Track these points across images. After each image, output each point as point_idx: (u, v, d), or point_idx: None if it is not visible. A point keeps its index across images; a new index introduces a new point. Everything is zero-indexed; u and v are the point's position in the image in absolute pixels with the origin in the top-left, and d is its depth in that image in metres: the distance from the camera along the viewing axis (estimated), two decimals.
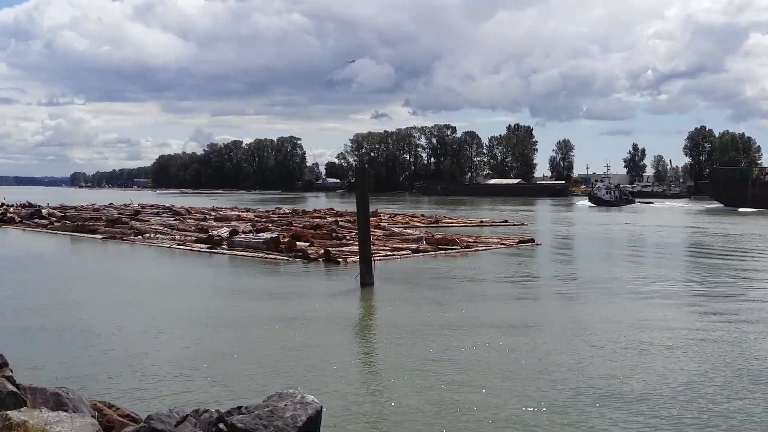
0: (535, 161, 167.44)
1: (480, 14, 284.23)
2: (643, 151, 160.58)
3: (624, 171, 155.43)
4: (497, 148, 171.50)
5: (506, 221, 46.46)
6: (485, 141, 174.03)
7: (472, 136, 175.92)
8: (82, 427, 5.01)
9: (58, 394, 5.78)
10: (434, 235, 30.92)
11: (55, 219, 42.34)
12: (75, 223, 38.70)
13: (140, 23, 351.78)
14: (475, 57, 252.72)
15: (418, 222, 43.65)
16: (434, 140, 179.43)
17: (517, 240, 31.01)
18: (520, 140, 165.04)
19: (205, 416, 5.52)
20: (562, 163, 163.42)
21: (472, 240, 30.27)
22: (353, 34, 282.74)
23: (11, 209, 51.12)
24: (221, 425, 5.20)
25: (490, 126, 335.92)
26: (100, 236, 33.86)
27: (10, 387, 5.46)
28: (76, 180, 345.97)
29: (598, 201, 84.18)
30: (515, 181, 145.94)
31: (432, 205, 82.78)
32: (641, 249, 31.46)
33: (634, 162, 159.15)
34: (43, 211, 47.34)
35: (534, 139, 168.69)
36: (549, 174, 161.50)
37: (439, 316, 14.33)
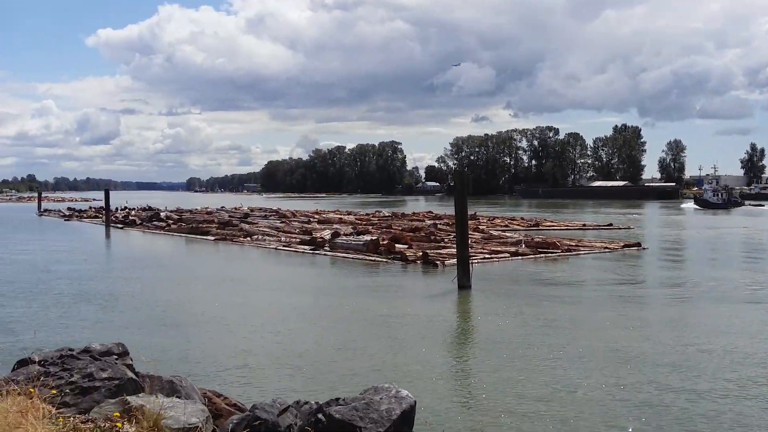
0: (642, 162, 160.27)
1: (585, 14, 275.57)
2: (762, 151, 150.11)
3: (741, 172, 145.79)
4: (602, 150, 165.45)
5: (611, 224, 44.91)
6: (589, 142, 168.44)
7: (575, 138, 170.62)
8: (193, 413, 5.33)
9: (172, 381, 6.22)
10: (534, 238, 30.48)
11: (172, 222, 45.14)
12: (190, 225, 41.16)
13: (252, 35, 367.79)
14: (580, 57, 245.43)
15: (518, 225, 43.07)
16: (536, 142, 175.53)
17: (622, 244, 30.00)
18: (626, 141, 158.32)
19: (306, 407, 5.81)
20: (672, 165, 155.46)
21: (574, 243, 29.59)
22: (455, 38, 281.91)
23: (133, 212, 55.09)
24: (320, 415, 5.38)
25: (594, 127, 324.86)
26: (213, 238, 35.86)
27: (130, 374, 5.94)
28: (192, 185, 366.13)
29: (704, 203, 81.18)
30: (621, 183, 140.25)
31: (532, 208, 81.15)
32: (754, 253, 29.56)
33: (752, 162, 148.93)
34: (161, 214, 50.57)
35: (642, 140, 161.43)
36: (658, 176, 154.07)
37: (538, 320, 14.24)
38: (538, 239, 29.81)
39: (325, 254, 27.73)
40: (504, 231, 36.79)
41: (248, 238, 34.28)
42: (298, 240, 31.95)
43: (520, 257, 25.87)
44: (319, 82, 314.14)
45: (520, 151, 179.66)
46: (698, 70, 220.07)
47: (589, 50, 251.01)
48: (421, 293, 18.49)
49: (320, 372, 10.14)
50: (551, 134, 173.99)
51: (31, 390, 5.31)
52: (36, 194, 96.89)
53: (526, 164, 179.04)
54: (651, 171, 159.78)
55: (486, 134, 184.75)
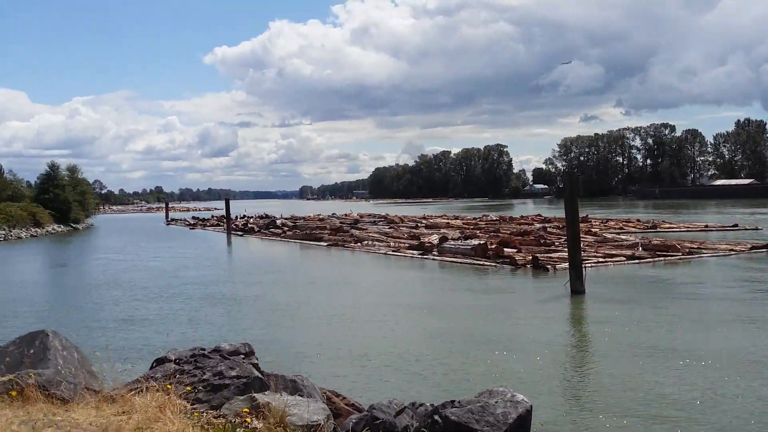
0: None
1: (701, 4, 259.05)
2: None
3: None
4: (724, 146, 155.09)
5: (736, 225, 42.04)
6: (709, 139, 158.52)
7: (694, 135, 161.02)
8: (315, 411, 5.53)
9: (294, 380, 6.53)
10: (651, 240, 29.16)
11: (287, 228, 46.99)
12: (304, 231, 42.69)
13: (357, 46, 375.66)
14: (696, 50, 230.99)
15: (633, 227, 41.30)
16: (650, 141, 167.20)
17: (749, 246, 28.07)
18: (750, 136, 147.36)
19: (421, 409, 5.89)
20: None
21: (695, 246, 28.01)
22: (560, 36, 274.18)
23: (251, 220, 57.84)
24: (436, 417, 5.46)
25: (714, 122, 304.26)
26: (325, 243, 36.99)
27: (256, 373, 6.26)
28: (304, 193, 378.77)
29: None
30: (747, 181, 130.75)
31: (649, 209, 77.40)
32: None
33: None
34: (277, 221, 52.78)
35: None
36: None
37: (658, 325, 13.67)
38: (656, 242, 28.50)
39: (433, 258, 27.89)
40: (618, 234, 35.42)
41: (359, 244, 35.06)
42: (406, 245, 32.32)
43: (636, 261, 24.82)
44: (422, 88, 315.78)
45: (634, 150, 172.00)
46: None
47: (706, 42, 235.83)
48: (532, 298, 18.22)
49: (433, 374, 10.28)
50: (667, 131, 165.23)
51: (168, 386, 5.72)
52: (163, 205, 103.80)
53: (641, 164, 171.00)
54: None
55: (596, 134, 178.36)
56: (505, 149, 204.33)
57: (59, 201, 60.20)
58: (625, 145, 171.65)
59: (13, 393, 5.81)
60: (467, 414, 5.34)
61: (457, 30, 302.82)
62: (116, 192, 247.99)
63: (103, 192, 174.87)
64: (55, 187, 61.41)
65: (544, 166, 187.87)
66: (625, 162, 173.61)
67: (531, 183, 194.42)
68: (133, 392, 5.75)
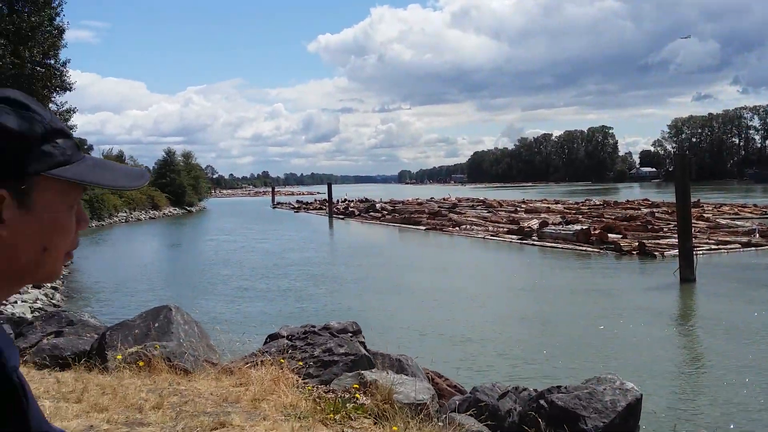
0: None
1: None
2: None
3: None
4: None
5: None
6: None
7: None
8: (421, 391, 5.65)
9: (400, 360, 6.74)
10: None
11: (386, 212, 47.60)
12: (402, 215, 43.12)
13: (457, 29, 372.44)
14: None
15: (750, 213, 38.75)
16: None
17: None
18: None
19: (524, 393, 5.96)
20: None
21: None
22: (672, 12, 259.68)
23: (352, 204, 59.04)
24: (542, 401, 5.45)
25: None
26: (423, 227, 37.22)
27: (363, 351, 6.52)
28: (403, 177, 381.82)
29: None
30: None
31: (767, 193, 72.28)
32: None
33: None
34: (376, 205, 53.56)
35: None
36: None
37: None
38: None
39: (533, 244, 27.44)
40: (733, 219, 33.38)
41: (457, 228, 35.03)
42: (505, 230, 31.97)
43: (753, 248, 23.37)
44: (523, 70, 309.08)
45: (752, 131, 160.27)
46: None
47: None
48: (638, 285, 17.62)
49: (534, 360, 10.26)
50: None
51: (282, 360, 6.10)
52: (269, 189, 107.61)
53: (759, 145, 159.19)
54: None
55: (710, 114, 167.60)
56: (610, 131, 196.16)
57: (175, 185, 63.80)
58: (741, 126, 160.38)
59: (141, 363, 6.36)
60: (574, 400, 5.30)
61: (561, 9, 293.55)
62: (226, 177, 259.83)
63: (214, 177, 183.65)
64: (171, 172, 65.15)
65: (652, 149, 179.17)
66: (741, 143, 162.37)
67: (638, 166, 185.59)
68: (249, 365, 6.13)
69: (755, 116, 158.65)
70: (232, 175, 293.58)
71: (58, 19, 30.55)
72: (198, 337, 7.98)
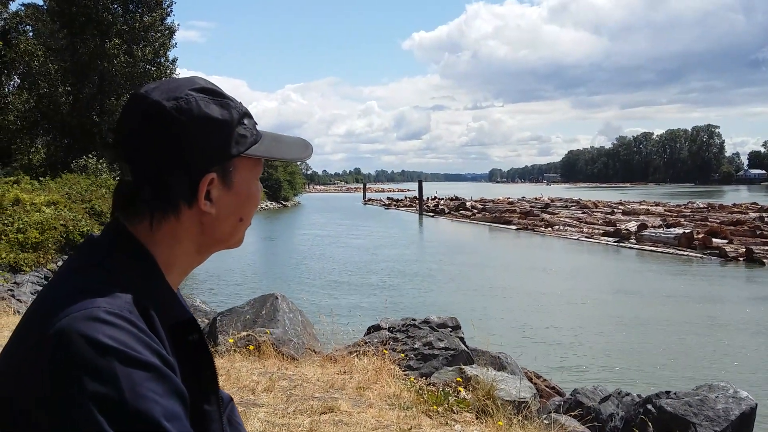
0: None
1: None
2: None
3: None
4: None
5: None
6: None
7: None
8: (522, 389, 5.67)
9: (500, 357, 6.77)
10: None
11: (476, 211, 47.32)
12: (493, 214, 42.74)
13: (555, 24, 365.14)
14: None
15: None
16: None
17: None
18: None
19: (627, 398, 5.83)
20: None
21: None
22: None
23: (442, 202, 59.03)
24: (649, 406, 5.32)
25: None
26: (514, 227, 36.77)
27: (463, 346, 6.58)
28: (493, 176, 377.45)
29: None
30: None
31: None
32: None
33: None
34: (467, 204, 53.31)
35: None
36: None
37: None
38: None
39: (630, 247, 26.56)
40: None
41: (549, 229, 34.38)
42: (601, 231, 31.09)
43: None
44: (624, 66, 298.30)
45: None
46: None
47: None
48: (745, 294, 16.75)
49: (636, 366, 10.04)
50: None
51: (385, 351, 6.29)
52: (361, 185, 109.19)
53: None
54: None
55: None
56: (716, 130, 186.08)
57: (272, 180, 65.93)
58: None
59: (251, 347, 6.74)
60: (684, 406, 5.16)
61: (666, 2, 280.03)
62: (320, 173, 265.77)
63: (308, 173, 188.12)
64: (269, 167, 67.38)
65: (762, 149, 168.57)
66: None
67: (746, 168, 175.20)
68: (352, 355, 6.37)
69: None
70: (325, 171, 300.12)
71: (168, 19, 32.32)
72: (302, 325, 8.33)
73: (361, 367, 5.89)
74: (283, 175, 68.73)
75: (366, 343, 6.73)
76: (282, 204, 67.06)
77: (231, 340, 6.82)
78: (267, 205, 62.78)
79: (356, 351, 6.42)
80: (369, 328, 7.32)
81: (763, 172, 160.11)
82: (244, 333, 7.34)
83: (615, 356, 10.60)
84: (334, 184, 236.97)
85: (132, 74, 29.71)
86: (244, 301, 8.50)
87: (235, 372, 5.50)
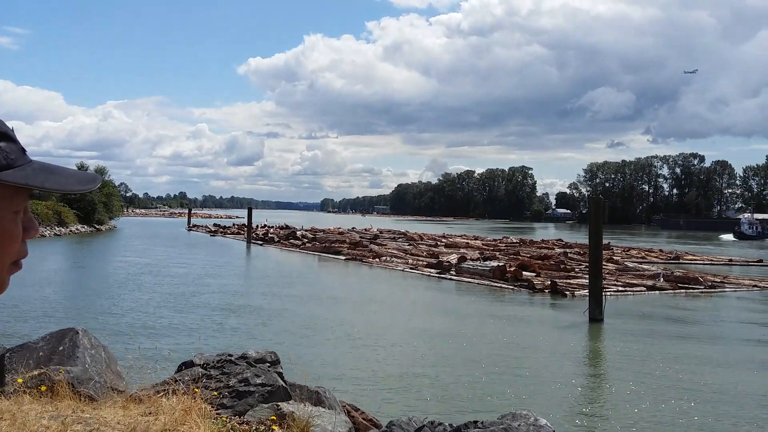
0: None
1: (739, 34, 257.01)
2: None
3: None
4: (753, 180, 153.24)
5: (761, 261, 41.51)
6: (739, 171, 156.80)
7: (723, 166, 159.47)
8: (339, 424, 5.65)
9: (318, 392, 6.60)
10: (674, 272, 28.92)
11: (306, 240, 47.23)
12: (323, 244, 42.91)
13: (389, 62, 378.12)
14: (730, 80, 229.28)
15: (656, 257, 40.94)
16: (678, 170, 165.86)
17: None
18: None
19: (440, 428, 5.91)
20: None
21: (718, 280, 27.75)
22: (594, 61, 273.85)
23: (272, 230, 58.23)
24: None
25: (744, 155, 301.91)
26: (344, 257, 37.17)
27: (281, 382, 6.33)
28: (325, 205, 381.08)
29: (740, 235, 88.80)
30: None
31: (672, 239, 76.58)
32: None
33: None
34: (297, 232, 53.05)
35: None
36: None
37: (673, 360, 13.58)
38: (678, 273, 28.25)
39: (450, 278, 27.89)
40: (640, 263, 35.15)
41: (377, 259, 35.18)
42: (425, 263, 32.37)
43: (657, 291, 24.65)
44: (451, 107, 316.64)
45: (660, 179, 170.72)
46: None
47: (740, 73, 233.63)
48: (549, 323, 18.18)
49: (449, 396, 10.34)
50: (696, 162, 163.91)
51: (196, 390, 5.88)
52: (186, 210, 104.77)
53: (667, 193, 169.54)
54: None
55: (623, 160, 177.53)
56: (529, 171, 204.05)
57: (85, 201, 60.96)
58: (652, 174, 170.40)
59: (43, 388, 6.01)
60: None
61: (490, 51, 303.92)
62: (140, 195, 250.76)
63: (127, 195, 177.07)
64: None
65: (568, 191, 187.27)
66: (651, 190, 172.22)
67: (554, 207, 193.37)
68: (159, 394, 5.89)
69: (665, 165, 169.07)
70: (147, 194, 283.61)
71: None
72: (106, 362, 7.61)
73: (168, 408, 5.47)
74: (98, 197, 63.94)
75: (176, 381, 6.27)
76: (95, 228, 62.20)
77: (20, 380, 6.08)
78: (78, 229, 57.89)
79: (164, 390, 5.96)
80: (180, 365, 6.84)
81: (568, 211, 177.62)
82: (37, 371, 6.58)
83: (432, 386, 10.87)
84: (156, 207, 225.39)
85: None
86: (40, 335, 7.65)
87: (21, 416, 4.86)
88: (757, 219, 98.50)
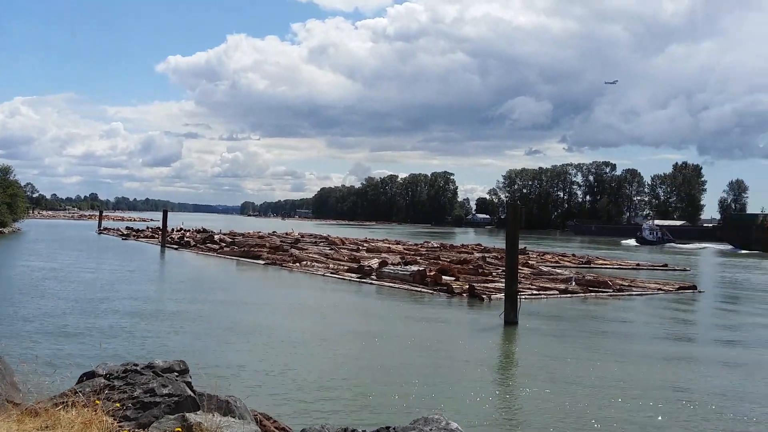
0: (702, 202, 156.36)
1: (650, 48, 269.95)
2: None
3: None
4: (660, 188, 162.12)
5: (665, 265, 43.88)
6: (647, 180, 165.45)
7: (633, 174, 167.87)
8: None
9: (227, 401, 6.37)
10: (585, 276, 30.09)
11: (224, 244, 46.13)
12: (242, 248, 42.03)
13: (313, 65, 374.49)
14: (641, 92, 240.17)
15: (569, 262, 42.52)
16: (591, 178, 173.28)
17: (677, 286, 29.31)
18: (686, 179, 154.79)
19: None
20: (733, 205, 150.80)
21: (626, 283, 29.08)
22: (515, 71, 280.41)
23: (188, 234, 56.58)
24: None
25: (653, 164, 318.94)
26: (263, 262, 36.58)
27: (189, 392, 6.11)
28: (246, 208, 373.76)
29: (642, 240, 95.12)
30: (679, 222, 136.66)
31: (584, 244, 79.84)
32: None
33: None
34: (215, 237, 51.72)
35: (702, 179, 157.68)
36: (718, 216, 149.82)
37: (584, 360, 14.12)
38: (589, 277, 29.41)
39: (371, 283, 27.95)
40: (554, 267, 36.39)
41: (297, 264, 34.83)
42: (346, 267, 32.31)
43: (569, 295, 25.56)
44: (375, 111, 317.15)
45: (575, 186, 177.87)
46: (762, 109, 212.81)
47: (651, 85, 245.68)
48: (466, 326, 18.50)
49: (366, 401, 10.31)
50: (608, 170, 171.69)
51: (97, 402, 5.58)
52: (97, 212, 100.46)
53: (580, 199, 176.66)
54: (710, 211, 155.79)
55: (540, 167, 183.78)
56: (451, 177, 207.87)
57: None
58: (567, 181, 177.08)
59: None
60: None
61: (415, 57, 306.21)
62: (48, 197, 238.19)
63: (34, 195, 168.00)
64: None
65: (487, 197, 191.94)
66: (565, 197, 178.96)
67: (474, 212, 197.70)
68: (58, 406, 5.59)
69: (579, 173, 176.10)
70: (55, 195, 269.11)
71: None
72: (0, 373, 7.15)
73: (67, 421, 5.24)
74: (1, 197, 60.35)
75: (76, 392, 5.95)
76: None
77: None
78: None
79: (63, 402, 5.66)
80: (82, 376, 6.49)
81: (488, 216, 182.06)
82: None
83: (347, 392, 10.82)
84: (65, 209, 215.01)
85: None
86: None
87: None
88: (657, 225, 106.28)
